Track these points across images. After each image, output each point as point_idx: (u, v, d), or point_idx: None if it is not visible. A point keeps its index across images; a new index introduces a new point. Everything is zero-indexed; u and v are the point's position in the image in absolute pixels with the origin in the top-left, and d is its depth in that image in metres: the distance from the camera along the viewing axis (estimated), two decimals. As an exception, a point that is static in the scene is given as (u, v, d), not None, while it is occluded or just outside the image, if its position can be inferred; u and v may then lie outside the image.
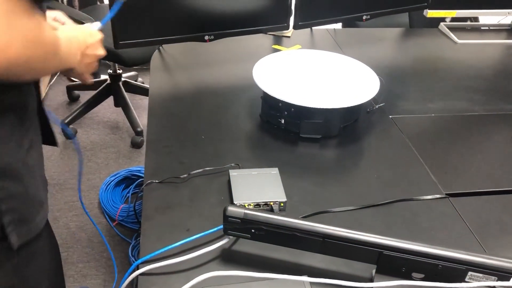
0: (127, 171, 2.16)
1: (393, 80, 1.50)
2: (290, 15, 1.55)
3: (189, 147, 1.14)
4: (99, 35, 0.95)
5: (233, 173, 1.01)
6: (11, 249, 0.77)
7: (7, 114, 0.75)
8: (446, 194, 1.03)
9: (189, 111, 1.27)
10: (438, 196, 1.02)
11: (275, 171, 1.02)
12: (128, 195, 2.08)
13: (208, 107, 1.29)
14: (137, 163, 2.29)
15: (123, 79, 2.60)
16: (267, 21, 1.52)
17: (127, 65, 2.28)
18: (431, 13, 1.80)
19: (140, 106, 2.73)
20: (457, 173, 1.11)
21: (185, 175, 1.03)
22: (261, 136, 1.20)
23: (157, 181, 1.01)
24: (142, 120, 2.51)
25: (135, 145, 2.40)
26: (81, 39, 0.90)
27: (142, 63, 2.30)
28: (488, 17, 2.07)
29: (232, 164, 1.07)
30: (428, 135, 1.24)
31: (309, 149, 1.16)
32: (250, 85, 1.33)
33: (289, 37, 1.75)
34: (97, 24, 0.98)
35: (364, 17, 1.67)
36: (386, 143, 1.20)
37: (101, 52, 0.95)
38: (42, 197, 0.84)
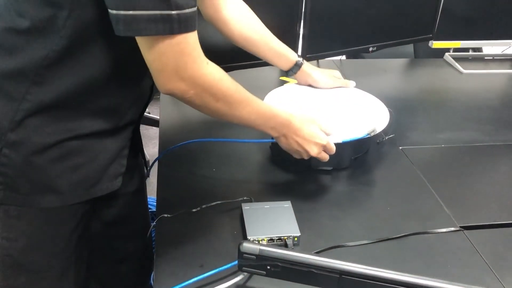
0: (133, 202, 2.14)
1: (400, 110, 1.51)
2: (297, 47, 1.57)
3: (201, 179, 1.14)
4: (323, 141, 1.06)
5: (246, 207, 1.00)
6: None
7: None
8: (460, 227, 1.02)
9: (200, 143, 1.27)
10: (452, 229, 1.02)
11: (287, 204, 1.02)
12: (134, 226, 2.07)
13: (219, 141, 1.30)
14: (144, 194, 2.28)
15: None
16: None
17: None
18: (436, 44, 1.82)
19: (146, 135, 2.74)
20: (471, 205, 1.10)
21: (197, 209, 1.02)
22: (272, 169, 1.19)
23: (169, 215, 1.00)
24: (148, 150, 2.52)
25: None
26: (296, 124, 1.03)
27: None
28: (492, 47, 2.10)
29: (244, 198, 1.06)
30: (439, 166, 1.24)
31: (320, 181, 1.15)
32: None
33: (296, 68, 1.76)
34: (338, 139, 1.09)
35: (370, 49, 1.69)
36: (397, 174, 1.19)
37: (314, 151, 1.06)
38: (58, 185, 0.89)
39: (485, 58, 1.99)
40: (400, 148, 1.30)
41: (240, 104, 0.94)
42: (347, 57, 2.25)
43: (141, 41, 0.79)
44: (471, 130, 1.42)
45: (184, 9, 0.76)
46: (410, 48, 2.39)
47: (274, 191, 1.11)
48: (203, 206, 1.03)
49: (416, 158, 1.25)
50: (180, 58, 0.80)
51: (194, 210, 1.02)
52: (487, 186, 1.17)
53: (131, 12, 0.73)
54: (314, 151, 1.05)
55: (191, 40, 0.80)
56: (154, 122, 2.62)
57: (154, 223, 1.00)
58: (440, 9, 1.75)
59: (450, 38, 1.83)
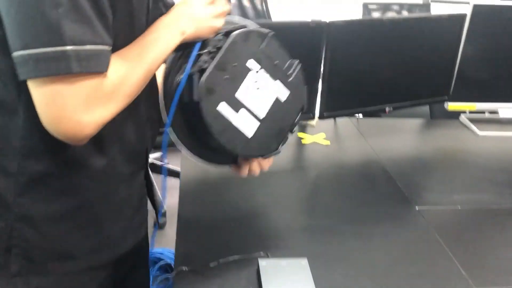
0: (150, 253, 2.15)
1: (416, 170, 1.52)
2: (316, 105, 1.62)
3: (218, 233, 1.16)
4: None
5: (262, 263, 1.01)
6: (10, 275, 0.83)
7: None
8: (478, 290, 1.01)
9: (219, 196, 1.30)
10: (470, 292, 1.01)
11: (304, 261, 1.02)
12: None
13: (238, 193, 1.32)
14: (159, 245, 2.29)
15: (149, 160, 2.66)
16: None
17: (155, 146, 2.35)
18: (451, 106, 1.86)
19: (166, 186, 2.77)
20: (488, 267, 1.09)
21: (215, 263, 1.03)
22: (289, 224, 1.21)
23: (187, 269, 1.02)
24: (166, 201, 2.54)
25: (158, 226, 2.42)
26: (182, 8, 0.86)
27: (169, 145, 2.37)
28: (508, 109, 2.13)
29: (261, 253, 1.07)
30: (456, 228, 1.24)
31: (337, 239, 1.16)
32: (281, 174, 1.36)
33: (313, 126, 1.81)
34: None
35: (387, 109, 1.73)
36: (414, 235, 1.20)
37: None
38: (74, 251, 0.87)
39: (501, 120, 2.02)
40: (417, 208, 1.31)
41: (136, 67, 0.79)
42: (364, 116, 2.30)
43: (33, 84, 0.70)
44: (488, 193, 1.42)
45: (85, 44, 0.68)
46: (426, 107, 2.43)
47: (290, 247, 1.12)
48: (221, 260, 1.04)
49: (433, 219, 1.26)
50: (82, 101, 0.70)
51: (212, 264, 1.03)
52: (505, 249, 1.16)
53: (21, 53, 0.66)
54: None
55: (97, 82, 0.71)
56: (174, 173, 2.66)
57: (173, 275, 1.01)
58: (456, 71, 1.80)
59: (466, 100, 1.87)
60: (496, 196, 1.41)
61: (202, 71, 0.86)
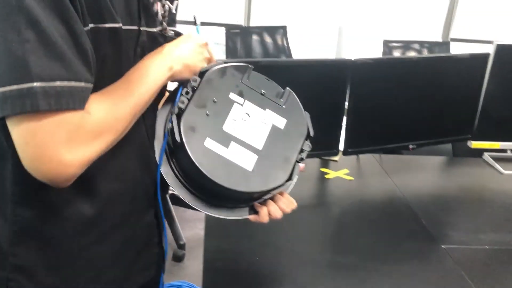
0: (168, 286, 2.15)
1: (441, 208, 1.51)
2: (339, 142, 1.63)
3: (244, 268, 1.16)
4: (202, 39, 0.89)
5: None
6: None
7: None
8: (509, 334, 0.99)
9: (244, 230, 1.30)
10: (501, 335, 0.99)
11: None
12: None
13: (263, 226, 1.33)
14: (178, 278, 2.28)
15: (170, 192, 2.68)
16: (319, 147, 1.60)
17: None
18: (475, 145, 1.85)
19: (183, 218, 2.78)
20: (519, 311, 1.07)
21: (241, 298, 1.03)
22: (313, 259, 1.20)
23: (214, 302, 1.02)
24: (185, 233, 2.55)
25: (177, 258, 2.41)
26: (169, 47, 0.85)
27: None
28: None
29: (287, 289, 1.07)
30: (484, 268, 1.22)
31: (362, 276, 1.15)
32: (304, 209, 1.36)
33: (336, 161, 1.82)
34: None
35: (410, 146, 1.73)
36: (440, 274, 1.18)
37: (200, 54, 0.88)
38: None
39: (525, 159, 2.00)
40: (443, 247, 1.30)
41: (119, 104, 0.76)
42: (385, 152, 2.30)
43: (10, 123, 0.67)
44: (514, 233, 1.41)
45: (54, 81, 0.64)
46: (448, 145, 2.42)
47: (314, 281, 1.12)
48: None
49: (459, 258, 1.24)
50: (63, 139, 0.67)
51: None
52: (535, 292, 1.14)
53: None
54: (200, 54, 0.89)
55: (78, 119, 0.68)
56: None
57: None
58: (479, 110, 1.81)
59: (489, 138, 1.87)
60: (524, 236, 1.39)
61: (180, 111, 0.85)
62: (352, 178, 1.67)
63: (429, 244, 1.30)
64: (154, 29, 0.86)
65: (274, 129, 0.91)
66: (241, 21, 4.05)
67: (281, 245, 1.26)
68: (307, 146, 0.93)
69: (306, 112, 0.96)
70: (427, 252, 1.27)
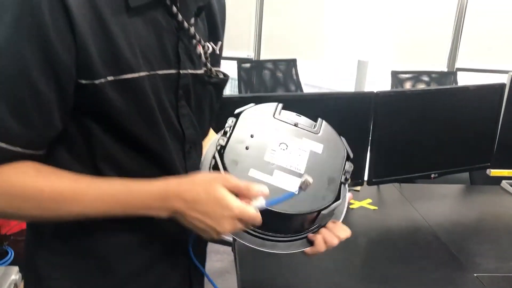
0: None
1: (467, 236, 1.53)
2: (364, 173, 1.67)
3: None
4: (234, 209, 0.75)
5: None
6: None
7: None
8: None
9: (277, 261, 1.32)
10: None
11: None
12: None
13: (294, 257, 1.34)
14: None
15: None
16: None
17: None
18: (494, 172, 1.88)
19: (209, 250, 2.77)
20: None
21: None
22: (350, 291, 1.22)
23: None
24: (211, 265, 2.53)
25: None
26: (192, 197, 0.75)
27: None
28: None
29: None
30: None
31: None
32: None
33: (358, 191, 1.84)
34: (259, 202, 0.79)
35: (432, 175, 1.76)
36: (476, 302, 1.19)
37: (226, 228, 0.76)
38: None
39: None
40: (475, 275, 1.31)
41: (66, 199, 0.74)
42: (403, 181, 2.33)
43: None
44: (543, 260, 1.42)
45: None
46: (465, 172, 2.44)
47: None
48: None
49: (492, 286, 1.26)
50: None
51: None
52: None
53: None
54: (225, 227, 0.76)
55: None
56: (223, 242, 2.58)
57: None
58: (497, 139, 1.85)
59: (508, 166, 1.90)
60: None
61: (221, 149, 0.88)
62: (376, 208, 1.70)
63: (461, 273, 1.32)
64: (199, 71, 0.87)
65: (313, 154, 0.93)
66: (251, 54, 4.14)
67: (315, 276, 1.27)
68: (349, 166, 0.94)
69: (342, 137, 0.98)
70: (460, 281, 1.28)
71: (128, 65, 0.73)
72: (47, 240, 0.83)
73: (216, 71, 0.91)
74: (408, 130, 1.68)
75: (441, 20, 4.10)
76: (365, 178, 1.69)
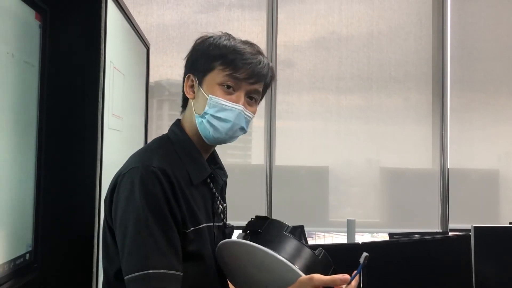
0: None
1: None
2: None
3: None
4: None
5: None
6: None
7: None
8: None
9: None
10: None
11: None
12: None
13: None
14: None
15: None
16: None
17: None
18: None
19: None
20: None
21: None
22: None
23: None
24: None
25: None
26: None
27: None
28: None
29: None
30: None
31: None
32: None
33: None
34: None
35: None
36: None
37: None
38: None
39: None
40: None
41: None
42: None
43: None
44: None
45: (160, 270, 1.11)
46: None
47: None
48: None
49: None
50: None
51: None
52: None
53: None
54: None
55: None
56: None
57: None
58: (474, 283, 2.09)
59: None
60: None
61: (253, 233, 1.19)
62: None
63: None
64: (219, 224, 1.34)
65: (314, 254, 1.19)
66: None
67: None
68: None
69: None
70: None
71: (197, 220, 1.21)
72: None
73: (227, 223, 1.39)
74: (395, 279, 1.93)
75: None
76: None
